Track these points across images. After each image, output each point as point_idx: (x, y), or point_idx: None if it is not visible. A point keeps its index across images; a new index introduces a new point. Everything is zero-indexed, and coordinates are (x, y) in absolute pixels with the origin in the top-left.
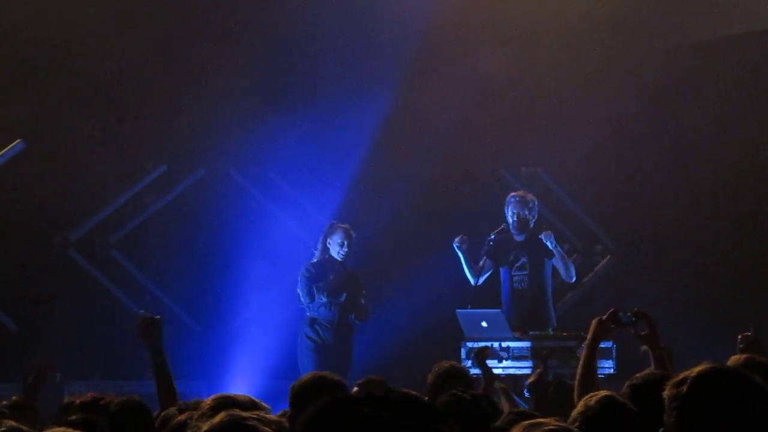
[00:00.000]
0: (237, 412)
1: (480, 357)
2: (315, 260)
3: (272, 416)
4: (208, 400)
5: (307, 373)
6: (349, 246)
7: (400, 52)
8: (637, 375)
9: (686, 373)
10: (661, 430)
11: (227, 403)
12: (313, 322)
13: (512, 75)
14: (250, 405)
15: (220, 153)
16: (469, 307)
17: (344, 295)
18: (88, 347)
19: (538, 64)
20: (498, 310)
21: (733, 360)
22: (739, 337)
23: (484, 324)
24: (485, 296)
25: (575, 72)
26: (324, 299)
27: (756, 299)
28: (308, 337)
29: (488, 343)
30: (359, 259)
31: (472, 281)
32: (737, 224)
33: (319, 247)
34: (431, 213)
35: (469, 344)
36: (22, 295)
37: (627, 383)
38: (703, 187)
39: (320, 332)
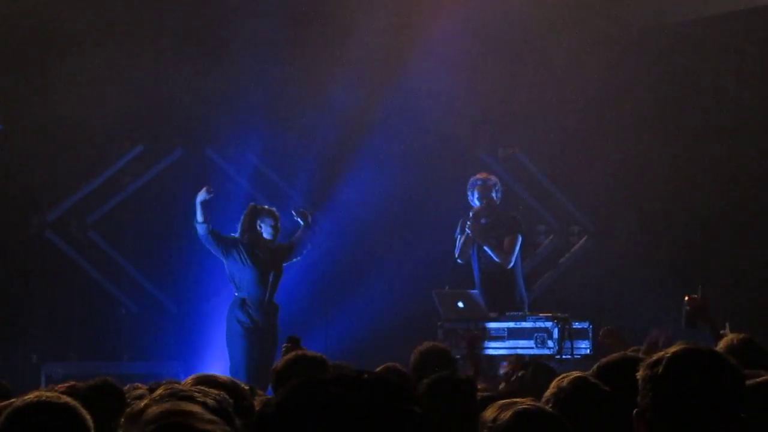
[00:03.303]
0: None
1: (470, 345)
2: (242, 240)
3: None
4: (188, 380)
5: (288, 354)
6: (279, 228)
7: (382, 40)
8: (610, 356)
9: (660, 354)
10: (635, 411)
11: (207, 383)
12: (243, 303)
13: (490, 56)
14: (231, 386)
15: (196, 133)
16: (447, 288)
17: (272, 275)
18: (65, 328)
19: (515, 48)
20: (475, 291)
21: (729, 339)
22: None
23: (460, 304)
24: (462, 277)
25: (553, 54)
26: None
27: (733, 277)
28: (238, 321)
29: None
30: (337, 243)
31: (459, 258)
32: (716, 204)
33: (246, 226)
34: (408, 196)
35: (447, 325)
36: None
37: (596, 364)
38: (681, 167)
39: (250, 313)
